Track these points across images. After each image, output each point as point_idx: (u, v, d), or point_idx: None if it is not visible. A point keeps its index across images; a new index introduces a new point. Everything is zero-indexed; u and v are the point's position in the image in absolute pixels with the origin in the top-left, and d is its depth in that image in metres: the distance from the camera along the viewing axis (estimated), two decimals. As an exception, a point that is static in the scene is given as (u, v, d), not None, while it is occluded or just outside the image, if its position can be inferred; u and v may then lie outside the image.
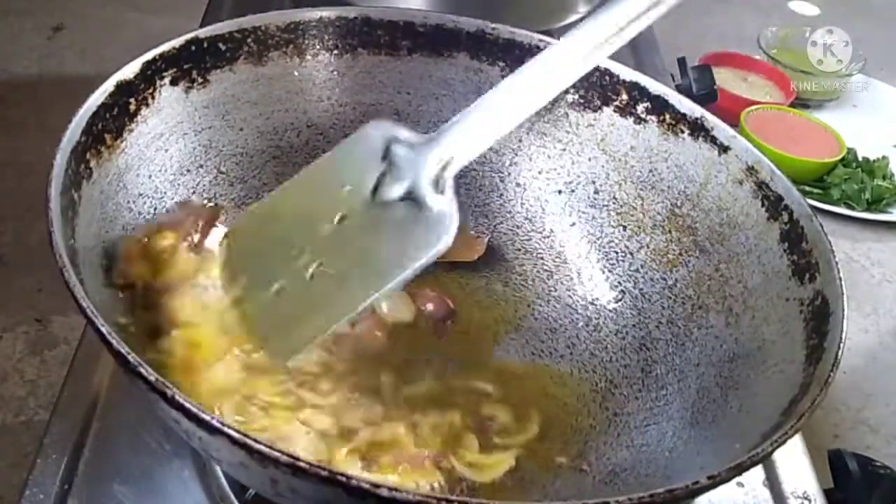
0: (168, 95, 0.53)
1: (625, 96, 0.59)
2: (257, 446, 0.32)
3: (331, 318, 0.48)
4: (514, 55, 0.61)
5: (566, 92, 0.61)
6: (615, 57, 0.60)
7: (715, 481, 0.35)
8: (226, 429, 0.32)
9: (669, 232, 0.58)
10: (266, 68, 0.58)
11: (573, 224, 0.62)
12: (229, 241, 0.51)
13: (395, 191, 0.47)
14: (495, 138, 0.46)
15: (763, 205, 0.53)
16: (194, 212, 0.54)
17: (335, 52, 0.61)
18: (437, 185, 0.46)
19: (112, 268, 0.48)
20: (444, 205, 0.46)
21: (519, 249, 0.63)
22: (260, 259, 0.50)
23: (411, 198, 0.46)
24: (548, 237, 0.63)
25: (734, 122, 1.14)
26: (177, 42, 0.53)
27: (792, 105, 1.28)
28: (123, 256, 0.50)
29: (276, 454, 0.32)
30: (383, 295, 0.48)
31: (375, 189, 0.47)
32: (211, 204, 0.56)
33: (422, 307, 0.58)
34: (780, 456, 0.56)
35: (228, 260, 0.51)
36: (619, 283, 0.59)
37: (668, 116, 0.58)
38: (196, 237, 0.53)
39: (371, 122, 0.48)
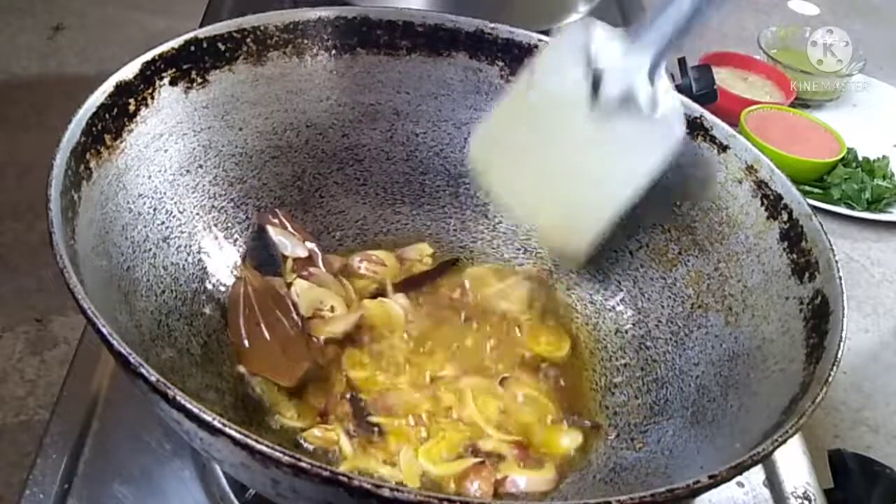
0: (167, 96, 0.53)
1: (624, 96, 0.59)
2: (259, 447, 0.32)
3: (600, 216, 0.51)
4: (513, 55, 0.61)
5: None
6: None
7: (716, 480, 0.35)
8: (227, 429, 0.32)
9: (669, 231, 0.58)
10: (265, 68, 0.58)
11: (573, 224, 0.62)
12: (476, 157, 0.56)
13: (615, 94, 0.49)
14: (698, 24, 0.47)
15: (762, 203, 0.53)
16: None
17: (334, 51, 0.61)
18: (651, 80, 0.49)
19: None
20: (667, 100, 0.49)
21: (518, 249, 0.63)
22: (514, 161, 0.54)
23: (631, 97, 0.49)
24: (547, 237, 0.63)
25: (734, 122, 1.14)
26: (176, 42, 0.53)
27: (792, 105, 1.28)
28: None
29: (278, 455, 0.32)
30: None
31: (594, 93, 0.49)
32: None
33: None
34: (780, 456, 0.56)
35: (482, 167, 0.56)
36: (618, 281, 0.59)
37: (667, 116, 0.58)
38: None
39: (572, 28, 0.51)
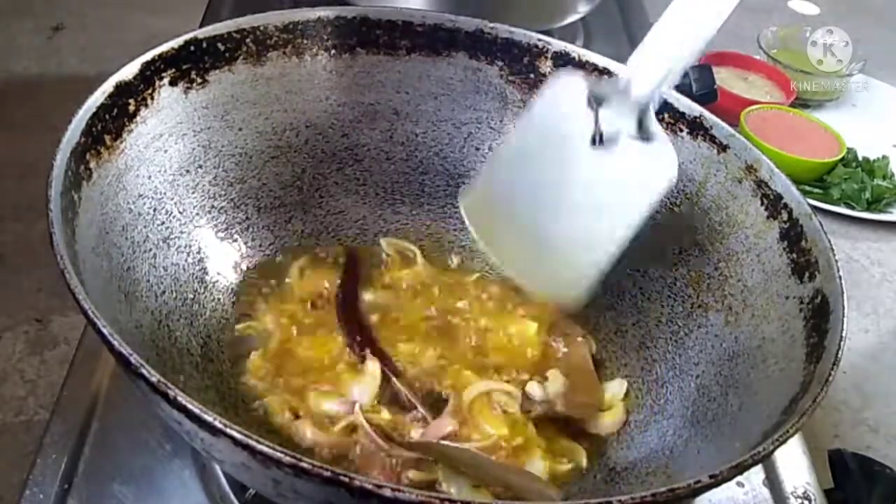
0: (167, 96, 0.53)
1: (624, 96, 0.59)
2: (259, 447, 0.32)
3: (600, 254, 0.50)
4: (513, 54, 0.61)
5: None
6: (616, 56, 0.61)
7: (717, 480, 0.35)
8: (228, 430, 0.32)
9: (669, 231, 0.58)
10: (265, 68, 0.58)
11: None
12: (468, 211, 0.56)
13: (613, 130, 0.50)
14: (686, 61, 0.49)
15: (762, 203, 0.53)
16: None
17: (334, 51, 0.61)
18: (643, 122, 0.50)
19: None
20: (660, 135, 0.50)
21: (519, 249, 0.63)
22: (507, 214, 0.54)
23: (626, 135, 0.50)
24: (547, 237, 0.62)
25: (734, 122, 1.14)
26: (176, 42, 0.53)
27: (792, 105, 1.28)
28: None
29: (279, 455, 0.32)
30: None
31: (593, 136, 0.51)
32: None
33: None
34: (780, 456, 0.56)
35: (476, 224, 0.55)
36: (618, 281, 0.59)
37: (666, 115, 0.58)
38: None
39: (560, 79, 0.53)
